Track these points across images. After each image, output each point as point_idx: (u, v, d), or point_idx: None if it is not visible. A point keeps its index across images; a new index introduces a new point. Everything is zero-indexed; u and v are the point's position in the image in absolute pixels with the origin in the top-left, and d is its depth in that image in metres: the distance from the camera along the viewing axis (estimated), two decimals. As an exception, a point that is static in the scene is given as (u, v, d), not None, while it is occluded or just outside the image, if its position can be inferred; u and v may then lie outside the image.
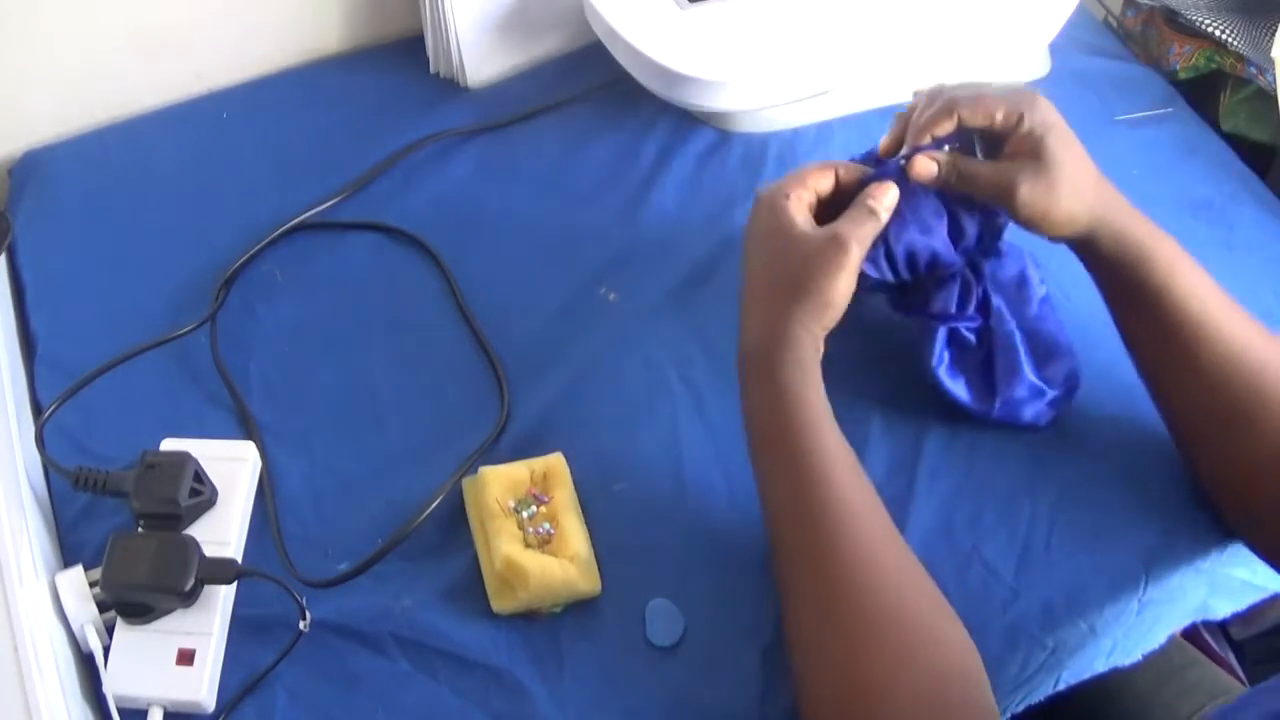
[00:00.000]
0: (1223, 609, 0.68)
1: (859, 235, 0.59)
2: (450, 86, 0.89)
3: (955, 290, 0.65)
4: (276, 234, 0.77)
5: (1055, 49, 0.90)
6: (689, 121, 0.85)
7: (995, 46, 0.86)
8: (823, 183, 0.63)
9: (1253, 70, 0.86)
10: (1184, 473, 0.66)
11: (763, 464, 0.59)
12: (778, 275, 0.60)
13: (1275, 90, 0.83)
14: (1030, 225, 0.61)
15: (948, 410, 0.68)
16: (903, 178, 0.62)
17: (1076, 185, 0.60)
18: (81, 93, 0.85)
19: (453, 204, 0.80)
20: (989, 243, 0.66)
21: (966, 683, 0.52)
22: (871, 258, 0.63)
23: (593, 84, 0.87)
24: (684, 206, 0.80)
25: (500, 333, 0.73)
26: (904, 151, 0.63)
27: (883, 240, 0.63)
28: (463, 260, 0.77)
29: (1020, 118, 0.60)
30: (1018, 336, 0.65)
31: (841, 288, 0.59)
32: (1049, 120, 0.60)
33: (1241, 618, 0.70)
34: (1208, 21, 0.87)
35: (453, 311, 0.75)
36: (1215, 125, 0.89)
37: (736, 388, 0.69)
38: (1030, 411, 0.66)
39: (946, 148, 0.62)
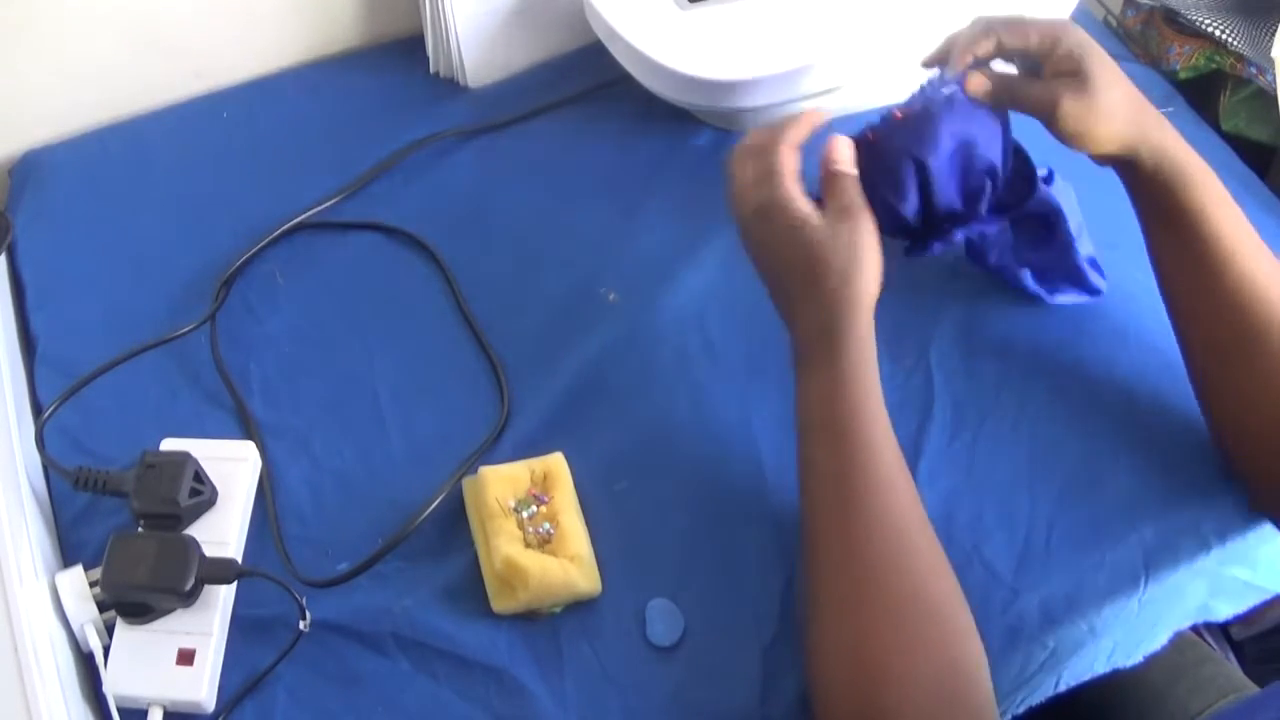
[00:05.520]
0: (1223, 610, 0.68)
1: (854, 199, 0.61)
2: (450, 86, 0.89)
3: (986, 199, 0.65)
4: (276, 234, 0.77)
5: (1055, 49, 0.90)
6: (689, 121, 0.85)
7: (995, 46, 0.86)
8: (796, 162, 0.64)
9: (1253, 70, 0.86)
10: (1185, 472, 0.66)
11: (812, 440, 0.59)
12: (817, 268, 0.59)
13: (1275, 90, 0.83)
14: (1072, 141, 0.63)
15: (948, 410, 0.68)
16: (945, 104, 0.63)
17: (1116, 103, 0.62)
18: (81, 93, 0.85)
19: (453, 204, 0.80)
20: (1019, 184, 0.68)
21: (977, 675, 0.53)
22: (901, 195, 0.63)
23: (593, 84, 0.87)
24: (684, 206, 0.80)
25: (500, 333, 0.73)
26: (949, 74, 0.65)
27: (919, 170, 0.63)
28: (463, 260, 0.77)
29: (1056, 40, 0.62)
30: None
31: (876, 253, 0.60)
32: (1085, 42, 0.62)
33: (1242, 618, 0.70)
34: (1208, 21, 0.87)
35: (453, 311, 0.75)
36: (1215, 125, 0.89)
37: (736, 388, 0.69)
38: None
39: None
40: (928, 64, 0.67)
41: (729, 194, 0.64)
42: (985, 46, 0.64)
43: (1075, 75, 0.61)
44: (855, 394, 0.58)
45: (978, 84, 0.63)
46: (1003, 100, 0.64)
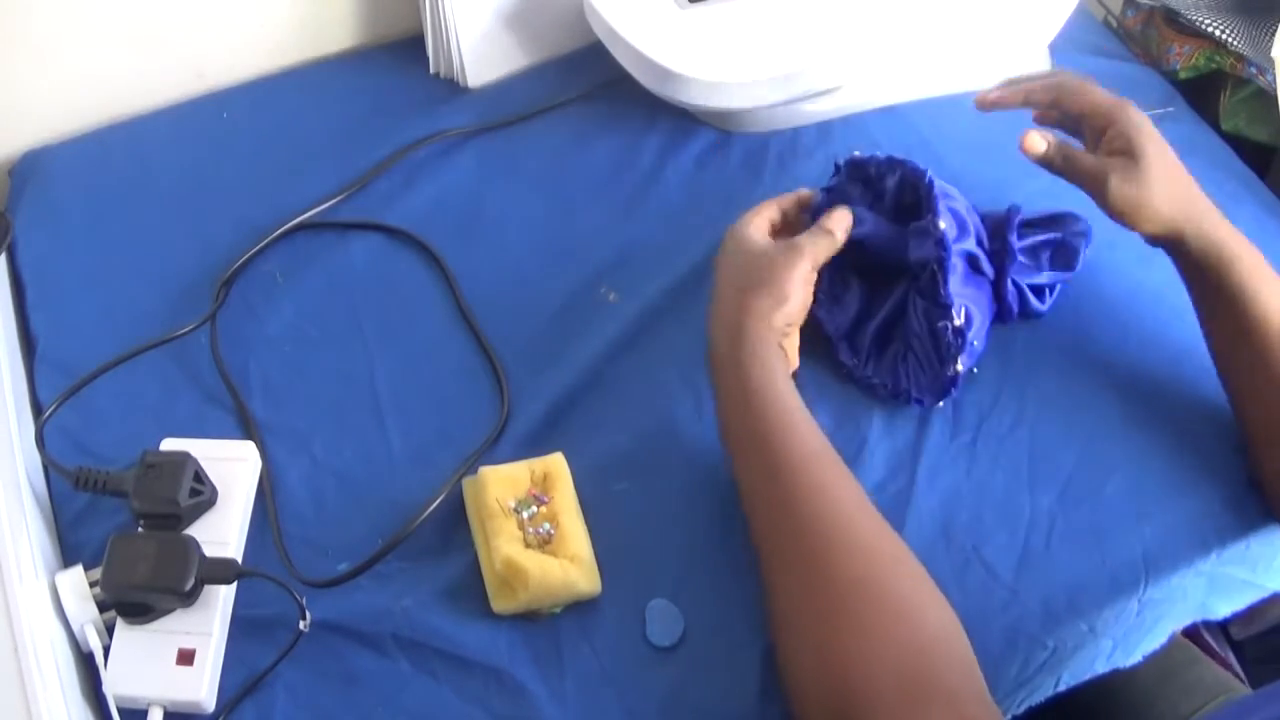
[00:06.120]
0: (1223, 609, 0.68)
1: (813, 246, 0.64)
2: (450, 86, 0.89)
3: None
4: (276, 234, 0.77)
5: (1055, 49, 0.90)
6: (689, 121, 0.85)
7: (995, 46, 0.86)
8: (777, 210, 0.68)
9: (1253, 70, 0.86)
10: (1185, 472, 0.66)
11: (738, 458, 0.61)
12: (738, 282, 0.64)
13: (1275, 90, 0.83)
14: (1120, 219, 0.65)
15: (948, 410, 0.68)
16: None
17: (1165, 187, 0.64)
18: (81, 93, 0.85)
19: (453, 204, 0.81)
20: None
21: (944, 647, 0.53)
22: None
23: (593, 84, 0.87)
24: (684, 206, 0.80)
25: (500, 333, 0.73)
26: (999, 105, 0.69)
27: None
28: (463, 260, 0.77)
29: (1113, 117, 0.65)
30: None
31: (796, 281, 0.63)
32: (1140, 124, 0.65)
33: (1241, 617, 0.70)
34: (1208, 21, 0.87)
35: (453, 311, 0.75)
36: (1215, 125, 0.89)
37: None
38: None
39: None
40: (984, 106, 0.70)
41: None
42: (1044, 97, 0.67)
43: (1128, 155, 0.64)
44: (763, 402, 0.59)
45: (1033, 143, 0.66)
46: (1054, 166, 0.66)
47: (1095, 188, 0.65)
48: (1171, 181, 0.64)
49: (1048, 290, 0.71)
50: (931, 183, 0.66)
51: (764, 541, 0.58)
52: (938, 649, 0.53)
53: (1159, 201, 0.64)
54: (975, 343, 0.67)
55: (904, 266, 0.68)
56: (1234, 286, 0.63)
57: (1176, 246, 0.65)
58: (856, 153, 0.70)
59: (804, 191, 0.70)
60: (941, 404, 0.68)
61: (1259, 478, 0.65)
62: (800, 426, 0.59)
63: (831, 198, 0.69)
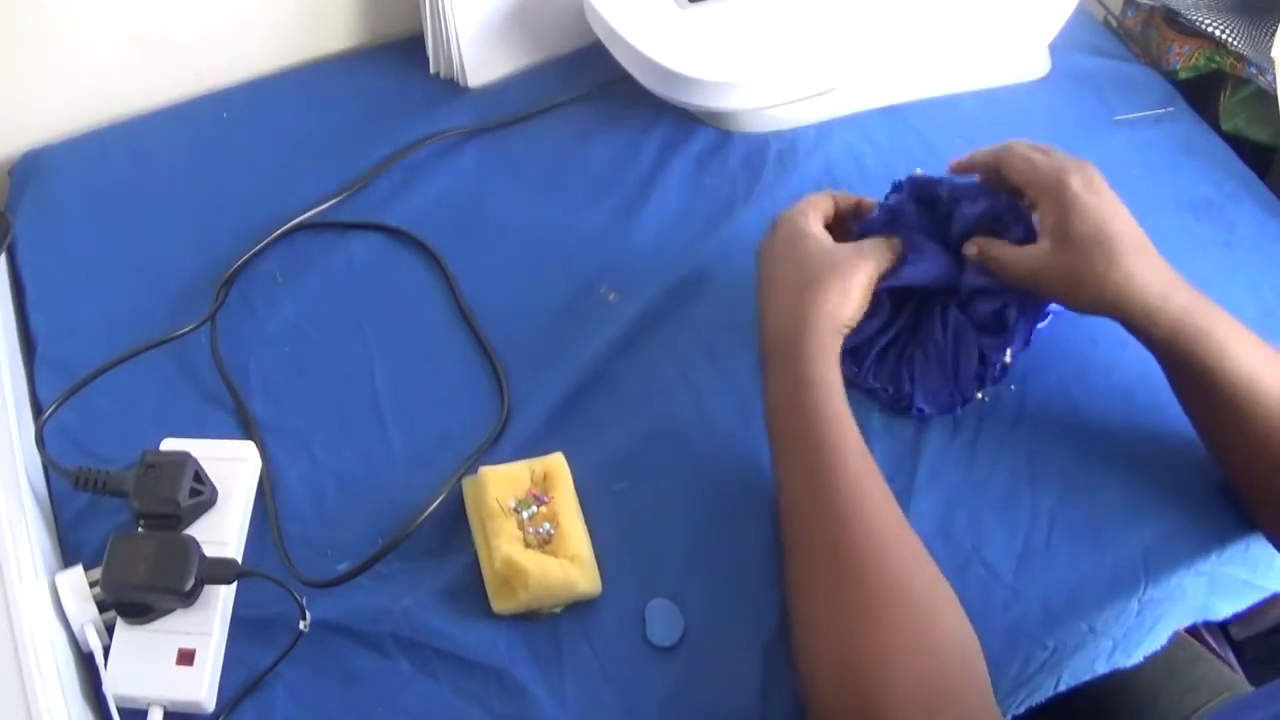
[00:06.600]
0: (1223, 609, 0.68)
1: (878, 258, 0.65)
2: (450, 86, 0.89)
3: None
4: (276, 234, 0.77)
5: (1055, 49, 0.90)
6: (689, 121, 0.85)
7: (995, 46, 0.86)
8: (832, 205, 0.69)
9: (1253, 70, 0.86)
10: (1185, 472, 0.66)
11: (781, 444, 0.61)
12: (803, 275, 0.63)
13: (1275, 90, 0.83)
14: (1059, 303, 0.64)
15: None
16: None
17: (1096, 272, 0.60)
18: (81, 93, 0.84)
19: (453, 204, 0.80)
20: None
21: (961, 656, 0.53)
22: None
23: (593, 84, 0.87)
24: (684, 206, 0.80)
25: (500, 333, 0.73)
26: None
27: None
28: (463, 260, 0.77)
29: (1042, 195, 0.62)
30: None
31: (863, 285, 0.64)
32: (1072, 202, 0.61)
33: (1241, 618, 0.70)
34: (1208, 21, 0.87)
35: (453, 311, 0.75)
36: (1215, 125, 0.89)
37: (736, 388, 0.69)
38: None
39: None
40: (952, 170, 0.69)
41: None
42: (988, 161, 0.66)
43: (1058, 239, 0.61)
44: (818, 396, 0.60)
45: (970, 251, 0.66)
46: (990, 267, 0.65)
47: (1025, 282, 0.63)
48: (1105, 266, 0.60)
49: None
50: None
51: (794, 530, 0.59)
52: (955, 657, 0.53)
53: (1091, 290, 0.60)
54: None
55: (948, 289, 0.68)
56: (1198, 359, 0.59)
57: (1124, 323, 0.62)
58: (919, 170, 0.69)
59: (866, 200, 0.70)
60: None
61: (1257, 521, 0.65)
62: (848, 424, 0.60)
63: (887, 216, 0.68)
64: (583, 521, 0.63)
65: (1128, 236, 0.60)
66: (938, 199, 0.68)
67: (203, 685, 0.56)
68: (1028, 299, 0.66)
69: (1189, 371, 0.61)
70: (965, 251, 0.66)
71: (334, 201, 0.80)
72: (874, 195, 0.70)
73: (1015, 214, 0.66)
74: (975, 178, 0.69)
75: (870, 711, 0.51)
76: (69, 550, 0.63)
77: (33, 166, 0.83)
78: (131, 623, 0.57)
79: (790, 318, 0.62)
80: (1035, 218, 0.64)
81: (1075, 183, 0.61)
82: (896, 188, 0.69)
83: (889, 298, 0.69)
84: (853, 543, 0.55)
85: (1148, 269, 0.60)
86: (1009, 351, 0.66)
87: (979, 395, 0.68)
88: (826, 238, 0.66)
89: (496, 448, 0.67)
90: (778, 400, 0.61)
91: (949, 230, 0.68)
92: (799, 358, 0.61)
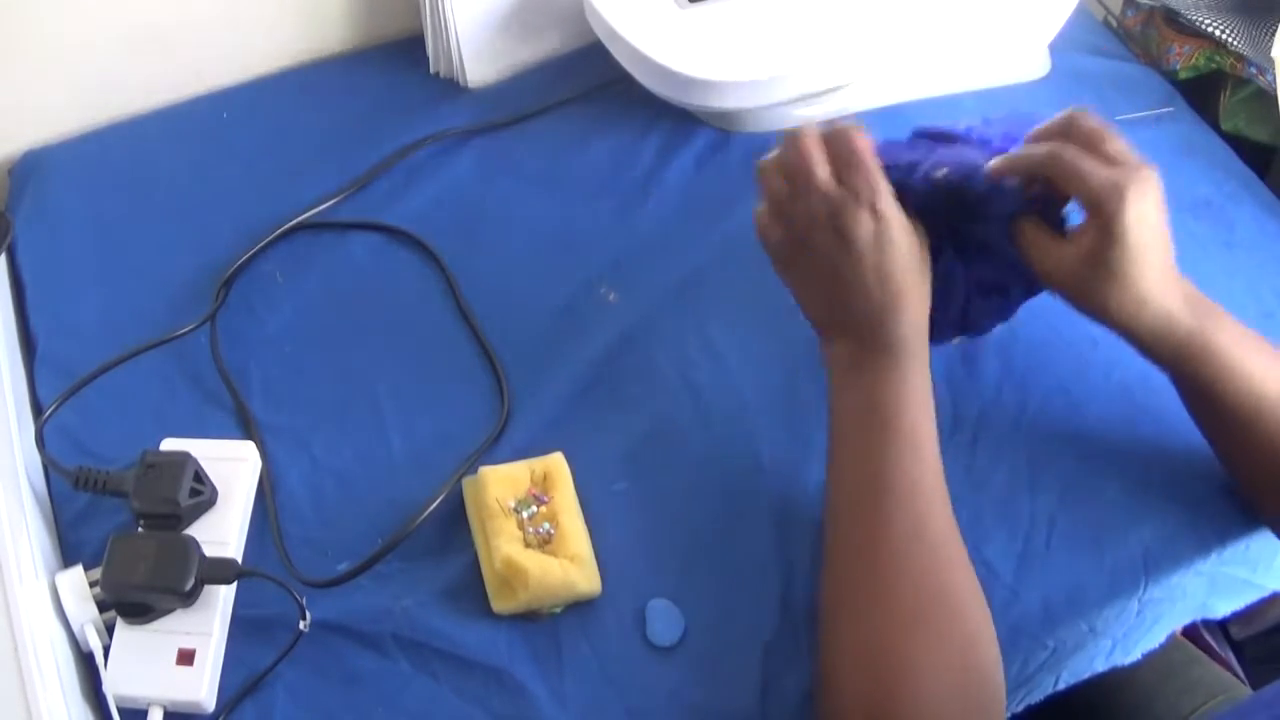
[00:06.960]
0: (1223, 609, 0.68)
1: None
2: (450, 86, 0.89)
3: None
4: (276, 234, 0.77)
5: (1055, 49, 0.90)
6: (689, 121, 0.85)
7: (995, 46, 0.86)
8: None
9: (1253, 70, 0.86)
10: (1185, 472, 0.66)
11: (854, 437, 0.59)
12: (904, 271, 0.59)
13: (1275, 90, 0.83)
14: (1065, 301, 0.61)
15: (947, 410, 0.68)
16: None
17: (1113, 294, 0.58)
18: (81, 93, 0.84)
19: (453, 204, 0.80)
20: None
21: (990, 674, 0.54)
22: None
23: (593, 84, 0.87)
24: (684, 206, 0.80)
25: (500, 333, 0.73)
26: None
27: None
28: (463, 260, 0.77)
29: (1090, 211, 0.57)
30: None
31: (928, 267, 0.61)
32: (1120, 238, 0.56)
33: (1241, 617, 0.71)
34: (1208, 21, 0.87)
35: (453, 311, 0.75)
36: (1215, 125, 0.89)
37: (736, 388, 0.69)
38: None
39: None
40: (994, 173, 0.61)
41: (773, 189, 0.61)
42: (1028, 165, 0.59)
43: (1088, 252, 0.57)
44: (908, 386, 0.58)
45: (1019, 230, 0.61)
46: (1021, 243, 0.61)
47: (1051, 281, 0.60)
48: (1133, 287, 0.57)
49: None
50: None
51: (850, 528, 0.57)
52: (987, 676, 0.54)
53: (1105, 299, 0.58)
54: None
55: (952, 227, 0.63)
56: (1201, 376, 0.59)
57: (1131, 339, 0.60)
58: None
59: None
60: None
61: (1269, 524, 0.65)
62: (928, 421, 0.58)
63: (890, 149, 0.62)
64: (583, 521, 0.63)
65: (1157, 268, 0.57)
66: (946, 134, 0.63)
67: (203, 685, 0.56)
68: (1035, 283, 0.63)
69: (1193, 388, 0.61)
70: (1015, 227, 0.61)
71: (334, 201, 0.80)
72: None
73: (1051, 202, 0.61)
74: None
75: (894, 709, 0.51)
76: (69, 550, 0.63)
77: (33, 166, 0.83)
78: (131, 623, 0.57)
79: (880, 311, 0.58)
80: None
81: (1129, 217, 0.55)
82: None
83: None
84: (910, 542, 0.55)
85: (1164, 295, 0.58)
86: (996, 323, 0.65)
87: (953, 341, 0.66)
88: (906, 221, 0.59)
89: (496, 448, 0.67)
90: (862, 390, 0.59)
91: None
92: (893, 348, 0.58)
